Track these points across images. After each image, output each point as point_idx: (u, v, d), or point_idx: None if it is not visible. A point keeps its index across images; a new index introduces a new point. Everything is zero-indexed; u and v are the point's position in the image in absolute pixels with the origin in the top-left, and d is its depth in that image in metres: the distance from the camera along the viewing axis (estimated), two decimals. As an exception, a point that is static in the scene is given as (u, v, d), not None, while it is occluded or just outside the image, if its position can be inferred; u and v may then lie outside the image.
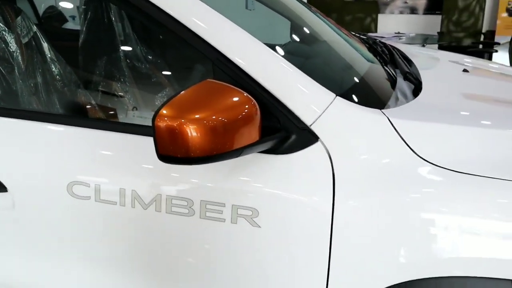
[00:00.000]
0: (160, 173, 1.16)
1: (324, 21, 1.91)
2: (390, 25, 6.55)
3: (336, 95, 1.13)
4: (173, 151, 0.95)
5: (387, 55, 1.78)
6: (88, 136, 1.24)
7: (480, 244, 1.02)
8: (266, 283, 1.16)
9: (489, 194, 1.03)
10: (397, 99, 1.31)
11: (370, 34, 4.79)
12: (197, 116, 0.95)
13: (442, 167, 1.05)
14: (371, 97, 1.24)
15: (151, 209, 1.16)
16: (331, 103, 1.11)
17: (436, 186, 1.05)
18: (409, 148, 1.08)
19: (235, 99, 1.01)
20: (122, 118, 1.71)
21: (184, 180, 1.15)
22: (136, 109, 1.72)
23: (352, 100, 1.15)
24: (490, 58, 5.60)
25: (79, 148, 1.24)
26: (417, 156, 1.07)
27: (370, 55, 1.70)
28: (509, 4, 6.18)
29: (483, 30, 6.23)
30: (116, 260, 1.27)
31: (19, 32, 1.68)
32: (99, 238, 1.26)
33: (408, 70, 1.58)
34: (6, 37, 1.60)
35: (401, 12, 6.81)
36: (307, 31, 1.79)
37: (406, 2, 6.77)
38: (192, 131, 0.94)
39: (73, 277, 1.33)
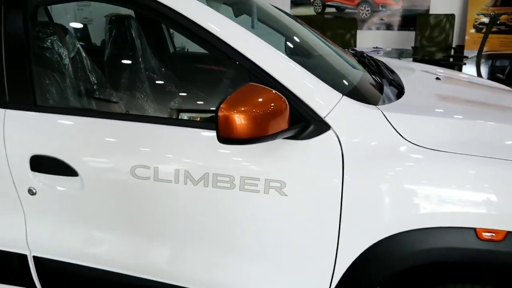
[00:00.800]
0: (206, 155, 1.50)
1: (323, 40, 2.28)
2: (368, 40, 7.02)
3: (343, 95, 1.49)
4: (228, 134, 1.29)
5: (374, 66, 2.16)
6: (144, 128, 1.57)
7: (448, 202, 1.38)
8: (293, 237, 1.50)
9: (455, 165, 1.40)
10: (385, 99, 1.68)
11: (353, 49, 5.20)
12: (243, 108, 1.29)
13: (422, 146, 1.42)
14: (367, 97, 1.60)
15: (201, 184, 1.49)
16: (339, 100, 1.47)
17: (417, 160, 1.41)
18: (398, 133, 1.44)
19: (270, 97, 1.36)
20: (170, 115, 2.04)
21: (227, 161, 1.49)
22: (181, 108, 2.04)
23: (355, 99, 1.51)
24: (460, 70, 6.09)
25: (136, 139, 1.56)
26: (404, 139, 1.43)
27: (360, 66, 2.08)
28: (475, 21, 6.74)
29: (453, 45, 6.75)
30: (172, 230, 1.59)
31: (68, 47, 2.00)
32: (156, 213, 1.58)
33: (391, 78, 1.97)
34: (60, 51, 1.92)
35: (377, 28, 7.29)
36: (315, 48, 2.15)
37: (382, 19, 7.26)
38: (241, 119, 1.29)
39: (132, 247, 1.64)
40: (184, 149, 1.52)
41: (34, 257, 1.74)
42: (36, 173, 1.62)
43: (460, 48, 6.85)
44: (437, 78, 2.16)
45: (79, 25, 2.45)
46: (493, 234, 1.39)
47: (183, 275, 1.63)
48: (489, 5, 6.77)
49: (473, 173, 1.40)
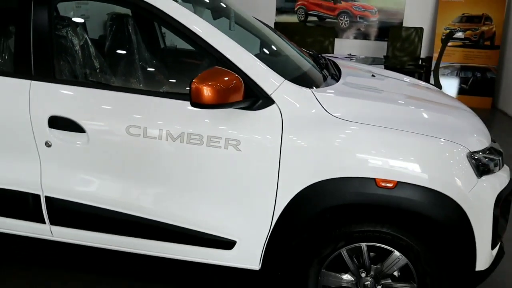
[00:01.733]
0: (182, 120, 2.01)
1: (284, 40, 2.83)
2: (345, 48, 7.61)
3: (285, 80, 2.03)
4: (198, 100, 1.81)
5: (324, 64, 2.70)
6: (136, 98, 2.08)
7: (355, 158, 1.92)
8: (245, 181, 2.02)
9: (361, 131, 1.94)
10: (321, 85, 2.21)
11: (326, 54, 5.76)
12: (210, 83, 1.82)
13: (339, 118, 1.96)
14: (305, 82, 2.13)
15: (178, 140, 2.01)
16: (281, 83, 2.00)
17: (334, 126, 1.95)
18: (322, 108, 1.98)
19: (230, 77, 1.88)
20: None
21: (198, 124, 2.01)
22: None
23: (296, 83, 2.05)
24: (420, 78, 6.69)
25: (131, 106, 2.08)
26: (326, 112, 1.97)
27: (312, 63, 2.62)
28: (443, 35, 7.37)
29: (422, 56, 7.37)
30: (155, 174, 2.10)
31: (78, 37, 2.51)
32: (144, 162, 2.08)
33: (333, 72, 2.52)
34: (73, 39, 2.43)
35: (355, 38, 7.89)
36: (272, 46, 2.69)
37: (359, 30, 7.85)
38: (207, 91, 1.81)
39: (124, 189, 2.14)
40: (166, 114, 2.04)
41: (46, 197, 2.23)
42: (53, 129, 2.12)
43: (429, 59, 7.48)
44: (373, 75, 2.72)
45: (82, 20, 2.94)
46: (387, 184, 1.93)
47: (161, 212, 2.14)
48: (455, 21, 7.42)
49: (373, 138, 1.95)
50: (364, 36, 7.85)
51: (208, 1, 2.78)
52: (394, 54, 7.28)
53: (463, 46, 7.47)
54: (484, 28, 7.35)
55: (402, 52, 7.23)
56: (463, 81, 7.53)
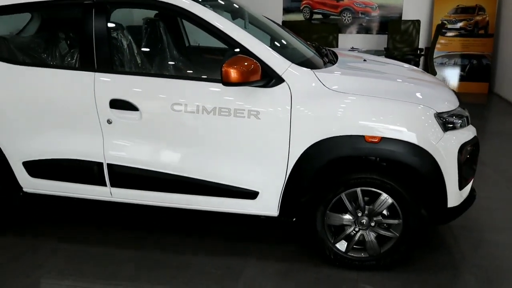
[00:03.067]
0: (214, 96, 2.61)
1: (291, 34, 3.42)
2: (348, 42, 8.18)
3: (292, 63, 2.62)
4: (227, 80, 2.41)
5: (324, 53, 3.29)
6: (176, 82, 2.69)
7: (349, 120, 2.50)
8: (265, 142, 2.61)
9: (353, 100, 2.53)
10: (321, 67, 2.80)
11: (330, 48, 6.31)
12: (235, 66, 2.41)
13: (335, 90, 2.55)
14: (308, 65, 2.71)
15: (212, 113, 2.60)
16: (289, 66, 2.60)
17: (332, 96, 2.53)
18: (321, 83, 2.57)
19: (250, 62, 2.48)
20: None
21: (226, 100, 2.60)
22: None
23: (301, 66, 2.63)
24: (416, 65, 7.23)
25: (174, 87, 2.68)
26: (324, 86, 2.56)
27: (314, 51, 3.21)
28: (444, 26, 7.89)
29: (420, 46, 7.90)
30: (194, 140, 2.69)
31: (126, 38, 3.13)
32: (186, 131, 2.69)
33: (331, 58, 3.10)
34: (122, 39, 3.05)
35: (358, 32, 8.44)
36: (281, 38, 3.29)
37: (361, 25, 8.40)
38: (234, 73, 2.41)
39: (170, 153, 2.75)
40: (202, 93, 2.65)
41: (107, 164, 2.85)
42: (113, 109, 2.73)
43: (427, 49, 8.00)
44: (364, 60, 3.30)
45: (125, 25, 3.57)
46: (373, 139, 2.51)
47: (199, 171, 2.73)
48: (451, 13, 7.95)
49: (363, 105, 2.53)
50: (366, 30, 8.40)
51: (228, 5, 3.38)
52: (394, 46, 7.82)
53: (459, 35, 7.99)
54: (478, 18, 7.87)
55: (402, 44, 7.77)
56: (461, 68, 8.05)
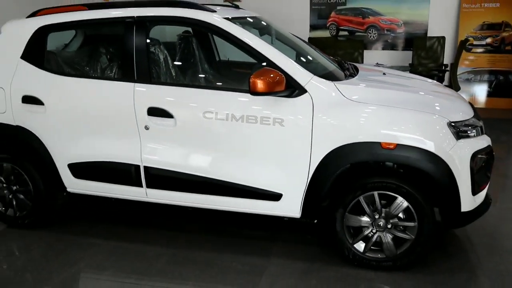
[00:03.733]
0: (242, 105, 2.85)
1: (315, 49, 3.65)
2: (374, 58, 8.34)
3: (314, 75, 2.84)
4: (254, 90, 2.65)
5: (345, 66, 3.50)
6: (208, 92, 2.95)
7: (366, 128, 2.69)
8: (288, 147, 2.82)
9: (370, 109, 2.72)
10: (341, 79, 3.01)
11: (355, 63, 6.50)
12: (262, 77, 2.65)
13: (354, 100, 2.75)
14: (330, 77, 2.93)
15: (240, 120, 2.84)
16: (312, 78, 2.82)
17: (350, 106, 2.74)
18: (341, 94, 2.78)
19: (276, 74, 2.71)
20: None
21: (253, 109, 2.84)
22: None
23: (323, 78, 2.85)
24: (439, 80, 7.32)
25: (205, 96, 2.94)
26: (344, 96, 2.77)
27: (336, 65, 3.42)
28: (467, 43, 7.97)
29: (445, 62, 7.99)
30: (223, 145, 2.93)
31: (162, 52, 3.42)
32: (216, 137, 2.93)
33: (352, 71, 3.31)
34: (159, 54, 3.34)
35: (383, 49, 8.60)
36: (305, 53, 3.52)
37: (387, 41, 8.56)
38: (260, 83, 2.65)
39: (201, 157, 2.99)
40: (232, 103, 2.89)
41: (144, 167, 3.11)
42: (150, 116, 3.01)
43: (452, 65, 8.08)
44: (383, 74, 3.49)
45: (161, 40, 3.90)
46: (389, 146, 2.69)
47: (227, 174, 2.96)
48: (477, 29, 8.03)
49: (379, 113, 2.72)
50: (392, 46, 8.55)
51: (256, 23, 3.64)
52: (419, 61, 7.94)
53: (486, 52, 8.05)
54: (504, 34, 7.91)
55: (427, 60, 7.89)
56: (487, 84, 8.09)
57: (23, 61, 3.32)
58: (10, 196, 3.54)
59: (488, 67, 8.07)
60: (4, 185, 3.53)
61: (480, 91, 8.17)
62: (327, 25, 8.75)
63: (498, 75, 8.03)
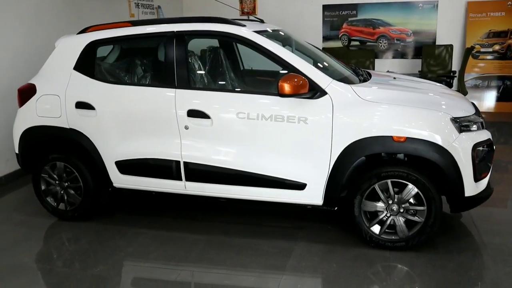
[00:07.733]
0: (270, 105, 3.28)
1: (332, 58, 4.08)
2: (385, 66, 8.74)
3: (333, 79, 3.26)
4: (282, 92, 3.08)
5: (359, 72, 3.92)
6: (239, 95, 3.39)
7: (380, 123, 3.10)
8: (312, 143, 3.23)
9: (384, 107, 3.13)
10: (356, 83, 3.42)
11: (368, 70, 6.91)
12: (288, 81, 3.09)
13: (369, 101, 3.17)
14: (346, 81, 3.35)
15: (269, 119, 3.27)
16: (331, 82, 3.24)
17: (366, 106, 3.15)
18: (357, 95, 3.20)
19: (300, 78, 3.14)
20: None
21: (281, 109, 3.26)
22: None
23: (341, 81, 3.28)
24: (447, 85, 7.68)
25: (236, 99, 3.38)
26: (359, 97, 3.19)
27: (351, 71, 3.85)
28: (473, 50, 8.35)
29: (453, 69, 8.37)
30: (255, 141, 3.36)
31: (197, 62, 3.87)
32: (248, 135, 3.36)
33: (366, 76, 3.73)
34: (195, 63, 3.79)
35: (394, 57, 9.00)
36: (324, 60, 3.96)
37: (397, 50, 8.97)
38: (287, 86, 3.08)
39: (235, 153, 3.42)
40: (261, 104, 3.32)
41: (184, 162, 3.55)
42: (190, 117, 3.45)
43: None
44: (394, 78, 3.91)
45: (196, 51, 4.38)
46: (400, 139, 3.09)
47: (258, 166, 3.38)
48: (483, 37, 8.40)
49: (390, 111, 3.13)
50: (401, 55, 8.95)
51: (279, 35, 4.09)
52: (428, 69, 8.33)
53: (493, 59, 8.42)
54: (510, 41, 8.27)
55: (435, 67, 8.28)
56: (494, 89, 8.44)
57: (75, 71, 3.80)
58: (62, 192, 3.99)
59: (495, 73, 8.43)
60: (57, 182, 3.99)
61: (489, 96, 8.52)
62: (339, 35, 9.19)
63: (505, 81, 8.38)
